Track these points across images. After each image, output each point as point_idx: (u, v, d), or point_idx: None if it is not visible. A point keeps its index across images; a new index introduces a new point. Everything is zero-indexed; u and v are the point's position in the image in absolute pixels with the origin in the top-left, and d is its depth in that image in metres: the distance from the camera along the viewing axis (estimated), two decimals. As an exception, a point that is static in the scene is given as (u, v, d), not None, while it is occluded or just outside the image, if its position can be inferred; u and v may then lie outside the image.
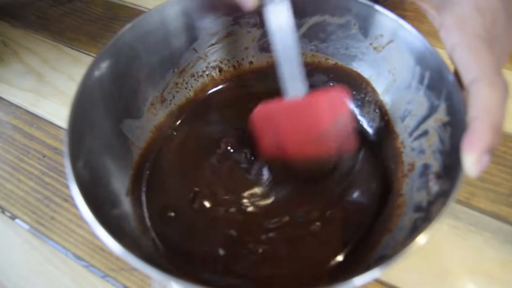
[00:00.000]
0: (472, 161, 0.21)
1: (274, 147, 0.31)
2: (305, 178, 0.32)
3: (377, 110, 0.34)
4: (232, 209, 0.31)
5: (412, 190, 0.29)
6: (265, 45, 0.37)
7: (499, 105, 0.22)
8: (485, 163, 0.21)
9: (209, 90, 0.38)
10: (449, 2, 0.25)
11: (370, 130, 0.35)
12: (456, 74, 0.25)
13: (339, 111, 0.30)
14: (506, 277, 0.31)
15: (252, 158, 0.33)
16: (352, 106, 0.36)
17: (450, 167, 0.25)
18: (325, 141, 0.30)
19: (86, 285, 0.32)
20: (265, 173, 0.33)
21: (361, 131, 0.35)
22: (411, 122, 0.31)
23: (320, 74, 0.37)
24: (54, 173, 0.39)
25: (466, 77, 0.23)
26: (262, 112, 0.30)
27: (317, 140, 0.30)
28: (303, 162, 0.31)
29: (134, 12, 0.53)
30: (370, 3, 0.31)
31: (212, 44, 0.36)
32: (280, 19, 0.28)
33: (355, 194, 0.32)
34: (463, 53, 0.23)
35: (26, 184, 0.38)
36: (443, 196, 0.23)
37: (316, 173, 0.32)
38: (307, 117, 0.30)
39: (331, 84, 0.37)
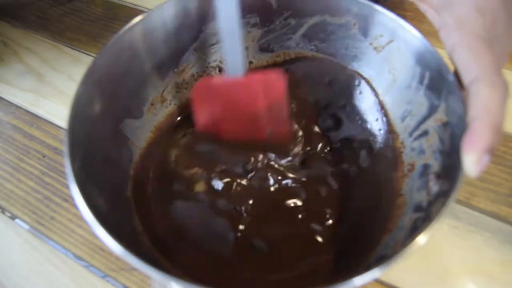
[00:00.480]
0: (472, 161, 0.21)
1: (209, 122, 0.32)
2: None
3: (377, 110, 0.34)
4: (233, 209, 0.31)
5: (412, 190, 0.29)
6: (265, 45, 0.37)
7: (499, 105, 0.22)
8: (485, 163, 0.21)
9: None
10: (449, 2, 0.25)
11: (369, 130, 0.35)
12: (456, 74, 0.25)
13: (274, 95, 0.30)
14: (506, 277, 0.31)
15: (252, 158, 0.33)
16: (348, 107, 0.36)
17: (450, 167, 0.25)
18: (258, 123, 0.31)
19: (86, 285, 0.32)
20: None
21: (361, 131, 0.35)
22: (411, 122, 0.31)
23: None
24: (54, 173, 0.39)
25: (466, 77, 0.23)
26: (202, 86, 0.31)
27: (250, 120, 0.31)
28: (236, 140, 0.32)
29: (134, 12, 0.53)
30: (370, 3, 0.31)
31: (212, 44, 0.36)
32: (226, 4, 0.28)
33: (355, 194, 0.32)
34: (463, 53, 0.23)
35: (26, 184, 0.38)
36: (443, 196, 0.23)
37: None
38: (241, 96, 0.30)
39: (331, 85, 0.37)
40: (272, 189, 0.32)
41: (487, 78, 0.22)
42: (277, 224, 0.31)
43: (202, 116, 0.32)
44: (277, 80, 0.30)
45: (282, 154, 0.33)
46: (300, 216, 0.31)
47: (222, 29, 0.28)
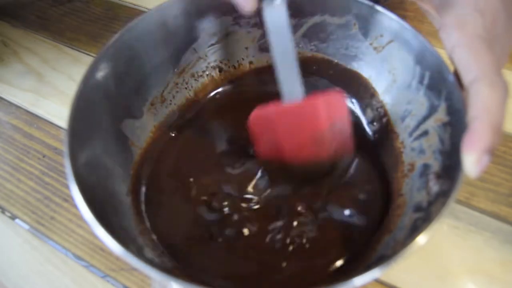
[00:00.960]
0: (472, 161, 0.21)
1: (271, 150, 0.31)
2: (302, 179, 0.32)
3: (377, 110, 0.34)
4: (233, 211, 0.31)
5: (412, 190, 0.29)
6: (265, 45, 0.37)
7: (499, 105, 0.22)
8: (485, 163, 0.21)
9: (209, 90, 0.38)
10: (449, 2, 0.25)
11: (369, 130, 0.35)
12: (456, 74, 0.25)
13: (337, 114, 0.29)
14: (506, 277, 0.31)
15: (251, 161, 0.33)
16: (350, 107, 0.36)
17: (450, 167, 0.25)
18: (323, 145, 0.30)
19: (86, 285, 0.32)
20: (264, 177, 0.32)
21: (361, 131, 0.35)
22: (411, 122, 0.31)
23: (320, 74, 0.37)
24: (54, 173, 0.39)
25: (466, 77, 0.23)
26: (258, 115, 0.30)
27: (315, 144, 0.30)
28: (300, 165, 0.31)
29: (134, 12, 0.53)
30: (370, 3, 0.31)
31: (212, 44, 0.36)
32: (277, 21, 0.27)
33: (355, 194, 0.32)
34: (463, 53, 0.23)
35: (26, 184, 0.38)
36: (443, 196, 0.23)
37: (313, 175, 0.32)
38: (304, 121, 0.29)
39: (331, 85, 0.37)
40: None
41: (487, 78, 0.22)
42: (278, 222, 0.31)
43: (262, 145, 0.31)
44: (338, 100, 0.29)
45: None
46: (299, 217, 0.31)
47: (277, 56, 0.28)
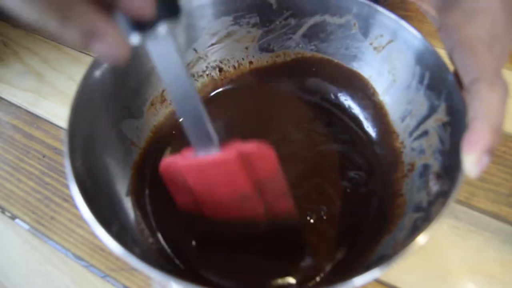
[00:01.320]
0: (472, 161, 0.21)
1: (191, 204, 0.27)
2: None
3: (377, 110, 0.34)
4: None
5: (412, 190, 0.29)
6: (265, 45, 0.37)
7: (499, 106, 0.22)
8: (485, 164, 0.21)
9: (209, 90, 0.38)
10: (449, 3, 0.25)
11: (370, 130, 0.35)
12: (456, 75, 0.25)
13: (262, 170, 0.24)
14: (506, 277, 0.31)
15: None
16: (349, 112, 0.35)
17: (450, 167, 0.25)
18: (249, 204, 0.26)
19: (86, 285, 0.32)
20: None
21: (361, 131, 0.35)
22: (411, 122, 0.31)
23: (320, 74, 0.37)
24: (54, 173, 0.39)
25: (466, 78, 0.23)
26: (167, 166, 0.26)
27: (238, 202, 0.25)
28: (225, 223, 0.27)
29: (134, 12, 0.53)
30: (370, 3, 0.31)
31: (212, 44, 0.36)
32: (167, 58, 0.20)
33: (355, 194, 0.32)
34: (463, 53, 0.23)
35: (26, 184, 0.38)
36: (443, 196, 0.23)
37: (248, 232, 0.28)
38: (219, 177, 0.24)
39: (331, 85, 0.37)
40: None
41: (487, 78, 0.22)
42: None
43: (178, 197, 0.27)
44: (262, 154, 0.24)
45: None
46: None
47: (175, 99, 0.22)
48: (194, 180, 0.25)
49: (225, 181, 0.24)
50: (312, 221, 0.31)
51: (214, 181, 0.25)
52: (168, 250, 0.30)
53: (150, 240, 0.29)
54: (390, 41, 0.31)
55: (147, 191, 0.32)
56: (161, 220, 0.31)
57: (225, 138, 0.24)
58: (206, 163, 0.24)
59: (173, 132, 0.35)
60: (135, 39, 0.18)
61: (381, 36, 0.32)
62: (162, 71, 0.21)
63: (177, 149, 0.35)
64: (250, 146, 0.23)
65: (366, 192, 0.32)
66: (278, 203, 0.26)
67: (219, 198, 0.26)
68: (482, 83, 0.22)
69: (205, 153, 0.23)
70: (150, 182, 0.33)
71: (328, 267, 0.28)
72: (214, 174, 0.24)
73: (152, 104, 0.34)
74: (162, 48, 0.20)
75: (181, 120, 0.24)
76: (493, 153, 0.21)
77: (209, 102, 0.37)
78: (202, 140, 0.23)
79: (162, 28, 0.18)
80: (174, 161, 0.25)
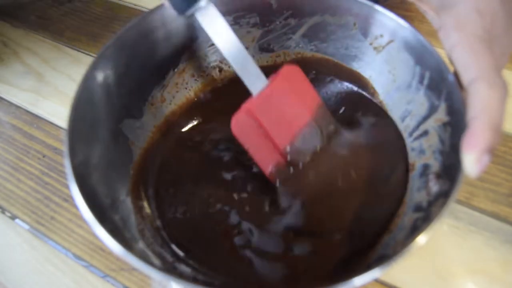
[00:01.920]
0: (472, 161, 0.21)
1: (267, 151, 0.31)
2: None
3: (377, 110, 0.34)
4: (235, 212, 0.31)
5: (412, 190, 0.29)
6: (265, 45, 0.37)
7: (499, 105, 0.22)
8: (485, 163, 0.21)
9: (209, 90, 0.38)
10: (448, 3, 0.25)
11: (370, 130, 0.35)
12: (456, 75, 0.25)
13: (299, 81, 0.30)
14: (506, 277, 0.31)
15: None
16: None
17: (450, 167, 0.25)
18: (304, 110, 0.31)
19: (86, 285, 0.32)
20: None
21: (362, 131, 0.35)
22: (411, 122, 0.31)
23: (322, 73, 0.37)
24: (54, 173, 0.39)
25: (465, 78, 0.23)
26: (238, 121, 0.30)
27: (296, 115, 0.30)
28: (294, 140, 0.31)
29: (134, 12, 0.53)
30: (370, 3, 0.31)
31: (212, 44, 0.36)
32: (213, 22, 0.27)
33: (355, 194, 0.32)
34: (462, 53, 0.23)
35: (26, 184, 0.38)
36: (443, 196, 0.23)
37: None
38: (278, 98, 0.30)
39: (331, 85, 0.37)
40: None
41: (486, 78, 0.22)
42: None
43: (259, 154, 0.31)
44: (292, 69, 0.30)
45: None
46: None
47: (227, 54, 0.28)
48: (266, 116, 0.29)
49: (282, 97, 0.30)
50: (312, 220, 0.31)
51: (275, 103, 0.30)
52: (169, 250, 0.30)
53: (150, 240, 0.29)
54: (390, 41, 0.31)
55: (147, 191, 0.32)
56: (161, 220, 0.31)
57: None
58: (265, 93, 0.29)
59: (174, 132, 0.36)
60: (188, 12, 0.27)
61: (381, 36, 0.32)
62: (213, 34, 0.28)
63: (178, 149, 0.35)
64: (285, 67, 0.30)
65: (366, 191, 0.32)
66: (320, 107, 0.32)
67: (285, 118, 0.30)
68: (481, 83, 0.22)
69: (261, 90, 0.29)
70: (150, 182, 0.33)
71: (328, 267, 0.29)
72: (273, 97, 0.29)
73: (152, 104, 0.34)
74: (207, 15, 0.27)
75: (236, 70, 0.29)
76: (493, 153, 0.21)
77: (209, 101, 0.38)
78: (255, 82, 0.29)
79: (202, 1, 0.26)
80: (240, 110, 0.29)
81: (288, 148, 0.31)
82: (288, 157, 0.31)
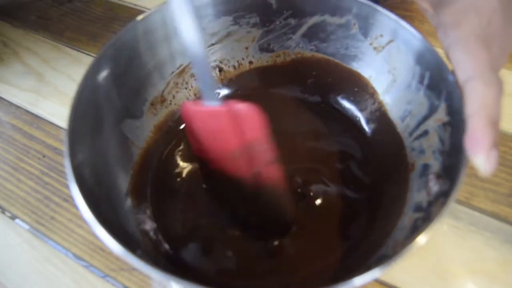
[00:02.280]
0: (483, 160, 0.22)
1: (198, 147, 0.30)
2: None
3: (377, 110, 0.34)
4: (237, 210, 0.31)
5: (412, 190, 0.29)
6: (265, 45, 0.37)
7: (495, 102, 0.22)
8: (495, 158, 0.22)
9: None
10: (447, 1, 0.25)
11: (370, 130, 0.35)
12: (454, 73, 0.25)
13: (253, 128, 0.27)
14: (506, 277, 0.31)
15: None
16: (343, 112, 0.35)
17: (450, 167, 0.25)
18: (239, 158, 0.28)
19: (86, 285, 0.32)
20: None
21: (361, 131, 0.35)
22: (411, 122, 0.31)
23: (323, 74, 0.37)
24: (54, 173, 0.39)
25: (461, 76, 0.23)
26: (185, 110, 0.29)
27: (232, 152, 0.28)
28: (224, 174, 0.29)
29: (134, 12, 0.53)
30: (370, 3, 0.31)
31: (212, 44, 0.36)
32: (184, 19, 0.24)
33: (356, 194, 0.32)
34: (459, 51, 0.23)
35: (26, 184, 0.38)
36: (443, 196, 0.23)
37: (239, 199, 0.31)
38: (220, 125, 0.27)
39: (331, 85, 0.37)
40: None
41: (482, 76, 0.22)
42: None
43: (191, 139, 0.30)
44: (252, 114, 0.26)
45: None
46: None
47: (190, 55, 0.26)
48: (198, 126, 0.29)
49: (220, 130, 0.28)
50: (312, 221, 0.31)
51: (211, 129, 0.28)
52: (169, 250, 0.30)
53: (150, 240, 0.29)
54: (390, 41, 0.31)
55: (147, 191, 0.32)
56: (161, 220, 0.31)
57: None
58: (207, 110, 0.28)
59: (173, 131, 0.36)
60: None
61: (381, 36, 0.32)
62: (181, 28, 0.24)
63: (177, 149, 0.35)
64: (242, 105, 0.26)
65: (367, 191, 0.32)
66: (267, 169, 0.28)
67: (216, 147, 0.29)
68: (477, 81, 0.22)
69: (211, 105, 0.27)
70: (150, 182, 0.33)
71: (328, 267, 0.29)
72: (212, 122, 0.28)
73: (152, 104, 0.34)
74: (179, 9, 0.24)
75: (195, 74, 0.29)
76: (498, 145, 0.22)
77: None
78: (208, 94, 0.27)
79: None
80: (189, 105, 0.28)
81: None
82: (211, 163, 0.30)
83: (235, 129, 0.27)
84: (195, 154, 0.31)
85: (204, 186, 0.33)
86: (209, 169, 0.31)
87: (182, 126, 0.36)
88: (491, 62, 0.23)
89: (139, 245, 0.27)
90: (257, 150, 0.28)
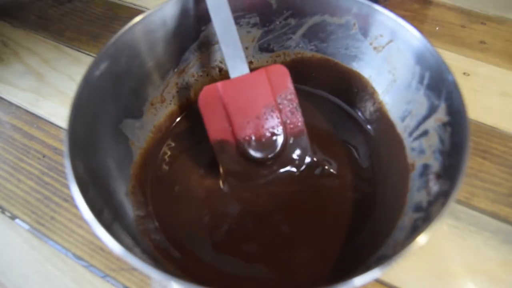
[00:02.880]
0: None
1: (223, 130, 0.32)
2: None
3: (377, 110, 0.34)
4: (237, 210, 0.31)
5: (412, 190, 0.29)
6: (265, 45, 0.37)
7: None
8: None
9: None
10: None
11: (370, 130, 0.35)
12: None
13: (281, 83, 0.31)
14: (506, 277, 0.31)
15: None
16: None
17: (450, 167, 0.25)
18: (271, 116, 0.31)
19: (86, 285, 0.32)
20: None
21: (361, 131, 0.35)
22: (411, 122, 0.31)
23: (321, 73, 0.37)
24: (54, 173, 0.39)
25: None
26: (208, 92, 0.31)
27: (263, 114, 0.31)
28: (252, 141, 0.32)
29: (134, 12, 0.53)
30: (370, 3, 0.31)
31: (212, 44, 0.36)
32: (216, 4, 0.28)
33: (356, 194, 0.32)
34: None
35: (26, 184, 0.38)
36: (443, 196, 0.23)
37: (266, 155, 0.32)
38: (251, 91, 0.31)
39: (331, 85, 0.37)
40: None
41: None
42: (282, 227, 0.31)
43: (214, 125, 0.32)
44: (280, 70, 0.31)
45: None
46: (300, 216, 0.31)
47: (219, 32, 0.29)
48: (230, 96, 0.31)
49: (254, 93, 0.31)
50: (312, 221, 0.31)
51: (245, 95, 0.31)
52: (169, 250, 0.30)
53: (151, 240, 0.29)
54: (390, 41, 0.31)
55: (147, 191, 0.32)
56: (162, 220, 0.31)
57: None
58: (241, 78, 0.31)
59: (173, 131, 0.36)
60: None
61: (381, 36, 0.32)
62: (212, 6, 0.28)
63: (177, 149, 0.35)
64: (271, 65, 0.32)
65: (367, 191, 0.32)
66: (293, 118, 0.32)
67: (249, 112, 0.31)
68: None
69: (239, 75, 0.31)
70: (150, 182, 0.33)
71: (328, 267, 0.29)
72: (246, 88, 0.31)
73: (152, 104, 0.34)
74: None
75: (222, 50, 0.30)
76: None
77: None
78: (236, 66, 0.30)
79: None
80: (214, 84, 0.31)
81: (243, 139, 0.32)
82: (241, 146, 0.32)
83: (266, 88, 0.31)
84: (215, 143, 0.32)
85: (221, 186, 0.33)
86: (230, 154, 0.32)
87: (181, 126, 0.36)
88: None
89: (139, 245, 0.27)
90: (284, 102, 0.31)
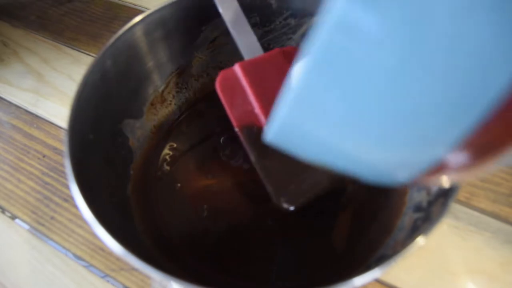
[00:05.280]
0: None
1: (248, 113, 0.30)
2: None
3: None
4: (237, 210, 0.31)
5: (412, 190, 0.29)
6: (265, 45, 0.37)
7: None
8: None
9: (209, 90, 0.38)
10: None
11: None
12: None
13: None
14: (506, 277, 0.31)
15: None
16: None
17: (450, 167, 0.25)
18: None
19: (86, 285, 0.32)
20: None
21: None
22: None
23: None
24: (54, 173, 0.39)
25: None
26: (225, 75, 0.30)
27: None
28: None
29: (134, 12, 0.53)
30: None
31: (212, 44, 0.36)
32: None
33: (356, 193, 0.32)
34: None
35: (26, 184, 0.38)
36: (443, 196, 0.23)
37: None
38: (270, 69, 0.30)
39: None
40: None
41: None
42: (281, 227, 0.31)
43: (235, 108, 0.30)
44: (294, 50, 0.31)
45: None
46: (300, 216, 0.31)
47: (227, 18, 0.29)
48: (250, 77, 0.30)
49: (274, 73, 0.30)
50: (311, 221, 0.31)
51: (265, 75, 0.30)
52: (169, 250, 0.30)
53: (151, 240, 0.29)
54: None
55: (147, 191, 0.32)
56: (162, 220, 0.31)
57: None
58: (259, 58, 0.30)
59: (174, 131, 0.36)
60: None
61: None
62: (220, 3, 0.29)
63: (177, 149, 0.35)
64: (287, 47, 0.31)
65: (367, 191, 0.32)
66: None
67: (273, 92, 0.29)
68: None
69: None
70: (150, 182, 0.33)
71: (327, 267, 0.29)
72: (264, 67, 0.30)
73: (152, 104, 0.34)
74: None
75: (233, 36, 0.30)
76: None
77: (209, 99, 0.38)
78: (250, 48, 0.30)
79: None
80: (231, 68, 0.30)
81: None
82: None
83: (285, 66, 0.29)
84: (242, 129, 0.30)
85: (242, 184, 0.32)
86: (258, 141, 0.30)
87: (181, 126, 0.36)
88: None
89: (139, 245, 0.27)
90: None
